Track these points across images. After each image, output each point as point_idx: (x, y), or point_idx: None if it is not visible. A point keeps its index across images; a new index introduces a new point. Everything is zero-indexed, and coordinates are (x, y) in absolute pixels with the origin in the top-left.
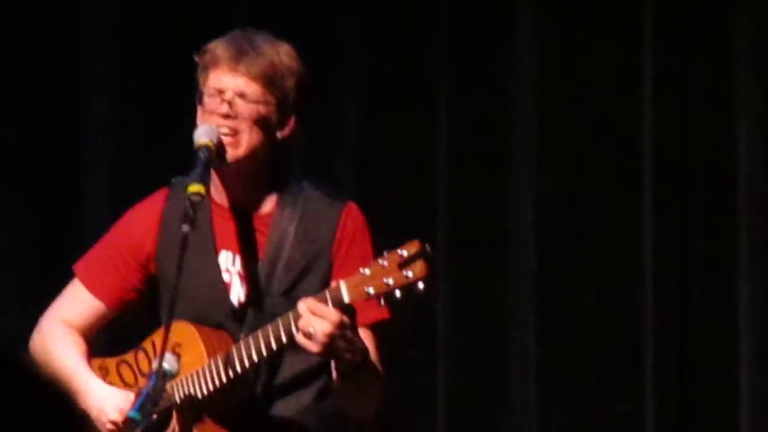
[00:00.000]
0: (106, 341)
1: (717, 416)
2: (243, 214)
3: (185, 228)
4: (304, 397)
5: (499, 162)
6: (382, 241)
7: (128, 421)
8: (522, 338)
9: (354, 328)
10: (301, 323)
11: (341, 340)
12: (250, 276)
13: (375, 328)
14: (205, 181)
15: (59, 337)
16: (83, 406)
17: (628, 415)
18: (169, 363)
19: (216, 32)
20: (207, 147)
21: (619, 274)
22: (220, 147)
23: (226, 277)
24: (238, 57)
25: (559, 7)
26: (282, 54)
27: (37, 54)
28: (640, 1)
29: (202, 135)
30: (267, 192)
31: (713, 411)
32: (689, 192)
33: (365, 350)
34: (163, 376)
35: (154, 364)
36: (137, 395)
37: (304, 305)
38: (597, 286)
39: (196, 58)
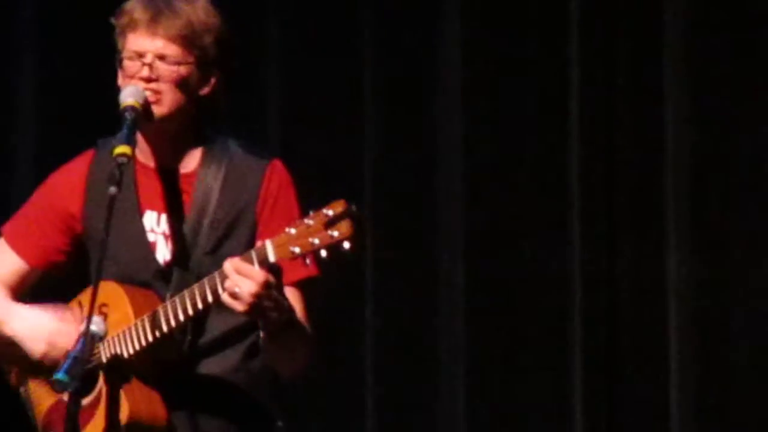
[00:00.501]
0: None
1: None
2: (168, 173)
3: (112, 190)
4: (232, 356)
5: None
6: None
7: (56, 383)
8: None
9: (279, 288)
10: (227, 283)
11: (267, 299)
12: (175, 235)
13: (303, 285)
14: (131, 142)
15: None
16: (9, 333)
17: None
18: (96, 325)
19: None
20: (133, 107)
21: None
22: (146, 107)
23: (151, 237)
24: (156, 19)
25: None
26: (199, 11)
27: None
28: None
29: (128, 96)
30: (191, 150)
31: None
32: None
33: (291, 310)
34: (91, 338)
35: (82, 327)
36: (65, 357)
37: (230, 265)
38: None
39: (113, 20)
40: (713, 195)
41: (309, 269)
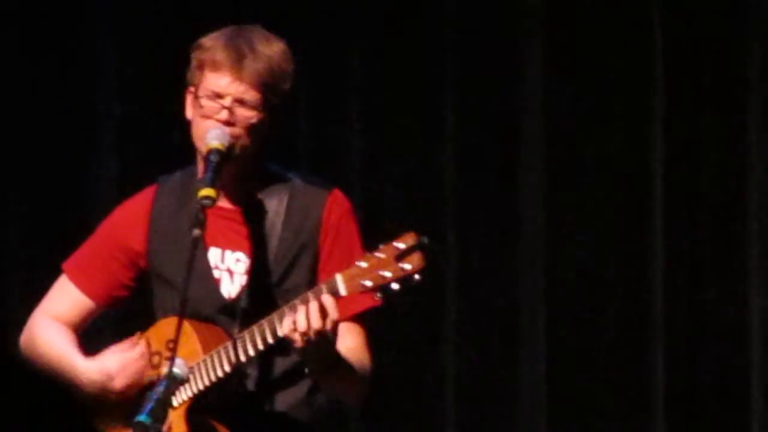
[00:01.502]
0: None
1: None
2: (231, 210)
3: (196, 232)
4: (298, 391)
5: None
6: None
7: (138, 426)
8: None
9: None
10: (298, 316)
11: (324, 337)
12: (240, 270)
13: (366, 316)
14: (215, 184)
15: (46, 328)
16: (80, 390)
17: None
18: (179, 367)
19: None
20: (218, 150)
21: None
22: (230, 150)
23: (216, 273)
24: (238, 62)
25: None
26: (279, 57)
27: (45, 50)
28: None
29: (214, 138)
30: (253, 186)
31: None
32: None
33: (337, 353)
34: (174, 380)
35: (164, 369)
36: (147, 399)
37: (300, 301)
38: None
39: (191, 53)
40: None
41: (372, 300)
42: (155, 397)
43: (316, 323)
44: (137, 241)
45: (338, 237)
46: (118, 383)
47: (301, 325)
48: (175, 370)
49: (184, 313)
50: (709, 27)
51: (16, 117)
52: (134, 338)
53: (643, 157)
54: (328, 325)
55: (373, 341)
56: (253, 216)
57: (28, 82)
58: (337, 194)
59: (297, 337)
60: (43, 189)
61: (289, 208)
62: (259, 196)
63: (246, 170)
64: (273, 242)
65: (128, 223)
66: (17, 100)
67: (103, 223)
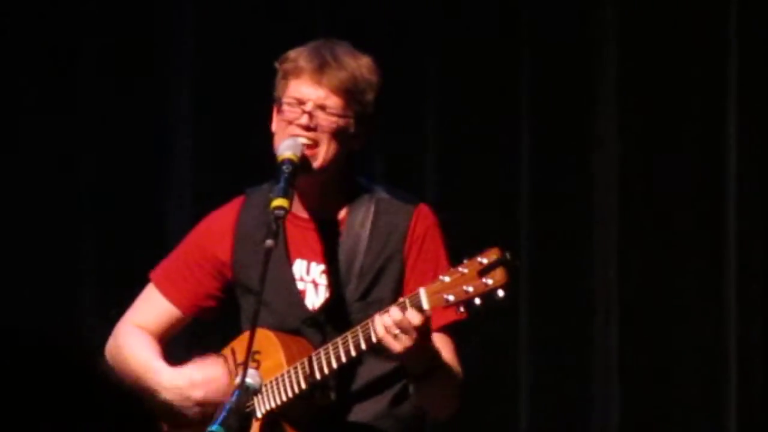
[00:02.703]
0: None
1: None
2: (316, 222)
3: (269, 242)
4: (381, 402)
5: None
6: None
7: None
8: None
9: (428, 334)
10: (387, 326)
11: (417, 345)
12: (325, 282)
13: (452, 329)
14: (288, 194)
15: (131, 336)
16: (161, 398)
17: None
18: (252, 378)
19: (294, 41)
20: (291, 161)
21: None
22: (303, 160)
23: (300, 285)
24: (321, 69)
25: None
26: (363, 67)
27: (116, 68)
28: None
29: (286, 149)
30: (339, 199)
31: None
32: None
33: (438, 356)
34: (246, 390)
35: (237, 379)
36: (220, 409)
37: (388, 314)
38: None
39: (277, 65)
40: None
41: (457, 313)
42: (228, 407)
43: (408, 323)
44: (223, 251)
45: (423, 251)
46: (200, 394)
47: (391, 326)
48: (248, 380)
49: (256, 323)
50: None
51: (94, 130)
52: (222, 353)
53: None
54: (421, 321)
55: (460, 354)
56: (340, 228)
57: (110, 99)
58: (423, 208)
59: (390, 339)
60: (118, 202)
61: (375, 220)
62: (346, 207)
63: (330, 180)
64: (359, 255)
65: (215, 233)
66: (96, 111)
67: (190, 233)
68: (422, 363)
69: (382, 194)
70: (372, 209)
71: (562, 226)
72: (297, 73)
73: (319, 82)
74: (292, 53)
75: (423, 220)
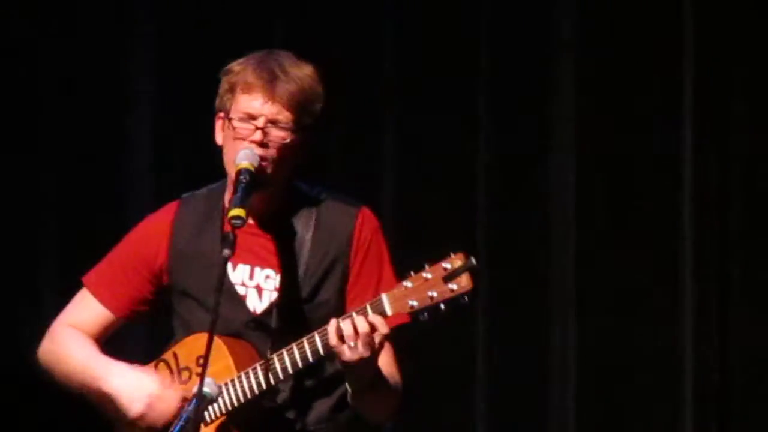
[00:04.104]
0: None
1: None
2: (260, 227)
3: (227, 252)
4: (322, 407)
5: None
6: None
7: None
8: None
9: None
10: (333, 339)
11: (374, 355)
12: (269, 287)
13: (393, 332)
14: (246, 204)
15: (69, 335)
16: (107, 389)
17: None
18: (209, 386)
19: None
20: (248, 171)
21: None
22: (259, 171)
23: (241, 290)
24: (271, 83)
25: None
26: (310, 78)
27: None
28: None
29: (243, 159)
30: (281, 204)
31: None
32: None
33: (378, 370)
34: (203, 399)
35: (195, 388)
36: (177, 418)
37: (347, 320)
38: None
39: (221, 76)
40: None
41: (402, 317)
42: (185, 416)
43: (368, 330)
44: (159, 256)
45: (370, 255)
46: (147, 411)
47: (349, 334)
48: (205, 389)
49: (213, 331)
50: None
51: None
52: (163, 357)
53: None
54: (377, 339)
55: (399, 359)
56: (282, 232)
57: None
58: (366, 211)
59: (344, 348)
60: (78, 204)
61: (317, 224)
62: (288, 213)
63: (278, 191)
64: (302, 258)
65: (150, 237)
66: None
67: (124, 239)
68: (370, 374)
69: (324, 198)
70: (314, 213)
71: (521, 224)
72: (247, 87)
73: (271, 98)
74: (236, 66)
75: (368, 223)
